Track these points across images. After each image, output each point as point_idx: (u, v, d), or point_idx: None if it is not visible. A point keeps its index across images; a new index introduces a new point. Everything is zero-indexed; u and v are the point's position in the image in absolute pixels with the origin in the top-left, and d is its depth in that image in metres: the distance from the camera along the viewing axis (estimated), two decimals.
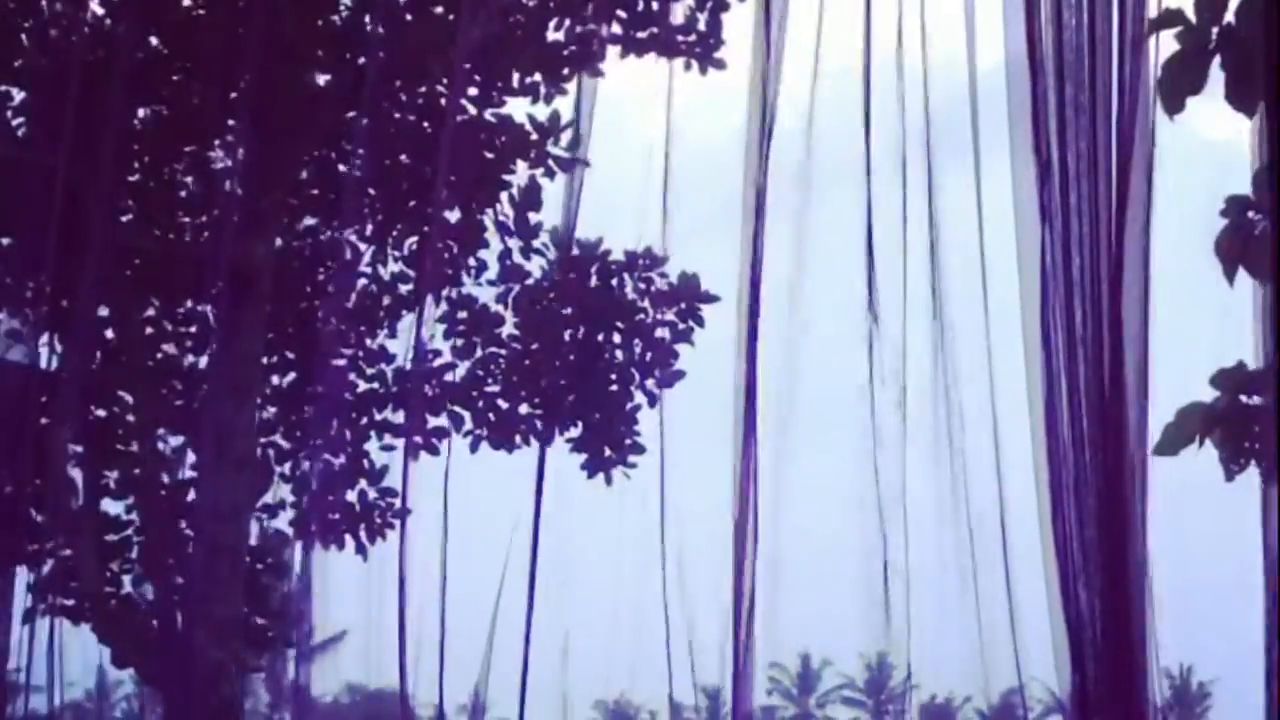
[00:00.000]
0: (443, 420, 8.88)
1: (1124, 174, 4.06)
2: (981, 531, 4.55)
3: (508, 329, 8.83)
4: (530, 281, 8.77)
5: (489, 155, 8.48)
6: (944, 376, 4.74)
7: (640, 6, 8.43)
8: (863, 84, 4.63)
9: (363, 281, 8.78)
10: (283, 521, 8.66)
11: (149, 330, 8.60)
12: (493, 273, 8.78)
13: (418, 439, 8.69)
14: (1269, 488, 3.98)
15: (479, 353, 8.91)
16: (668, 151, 7.08)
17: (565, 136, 8.44)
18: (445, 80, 8.42)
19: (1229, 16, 4.19)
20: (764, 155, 4.88)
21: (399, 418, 8.83)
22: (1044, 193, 4.08)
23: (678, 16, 8.44)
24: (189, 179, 8.63)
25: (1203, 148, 4.61)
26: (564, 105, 8.48)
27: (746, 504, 4.72)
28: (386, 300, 8.82)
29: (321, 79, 8.46)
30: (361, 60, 8.32)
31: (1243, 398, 4.56)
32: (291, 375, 8.77)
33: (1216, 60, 4.17)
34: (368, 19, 8.39)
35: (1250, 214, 4.49)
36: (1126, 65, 4.11)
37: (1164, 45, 4.34)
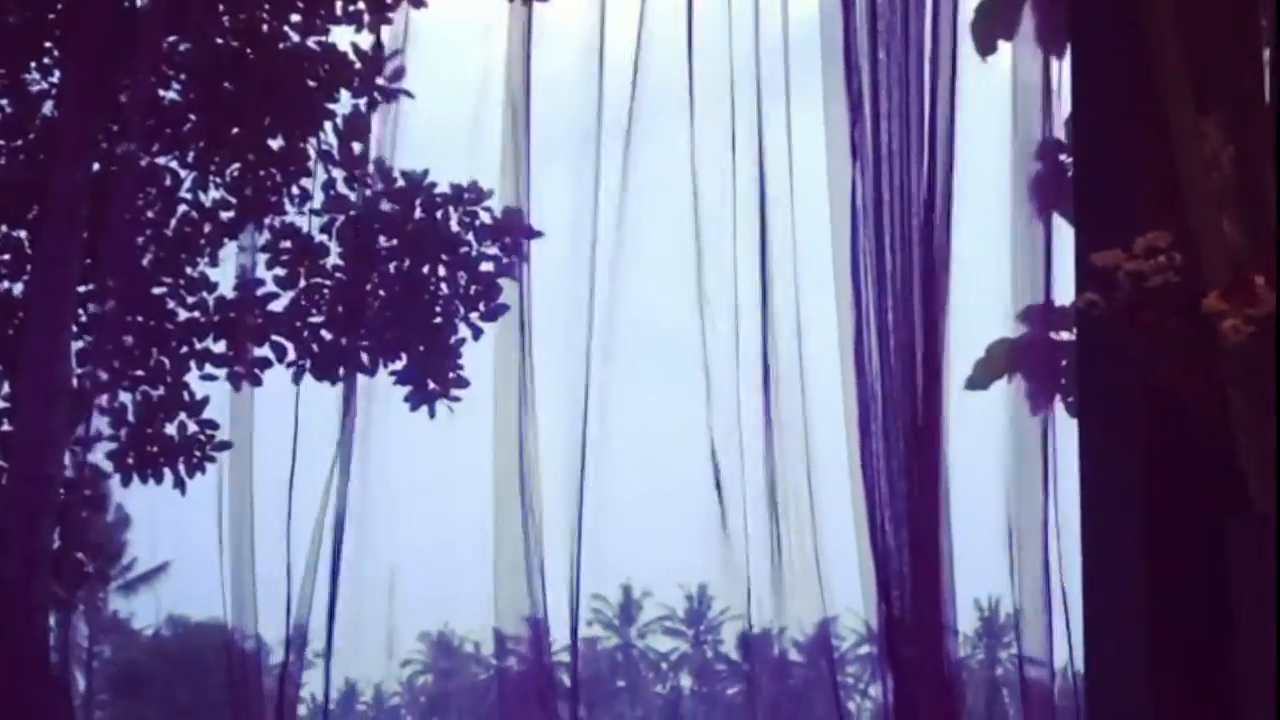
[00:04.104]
0: (265, 351, 8.80)
1: (934, 115, 4.13)
2: (792, 465, 4.62)
3: (332, 259, 8.76)
4: (354, 212, 8.71)
5: (312, 83, 8.40)
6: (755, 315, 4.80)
7: None
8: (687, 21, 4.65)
9: (183, 208, 8.68)
10: (100, 454, 8.55)
11: None
12: (317, 202, 8.70)
13: (240, 369, 8.63)
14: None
15: (302, 283, 8.83)
16: (508, 82, 7.01)
17: (389, 67, 8.40)
18: (267, 6, 8.33)
19: None
20: (601, 89, 4.89)
21: (220, 347, 8.75)
22: (855, 132, 4.13)
23: None
24: (4, 102, 8.46)
25: (1016, 90, 4.69)
26: (388, 35, 8.42)
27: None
28: (208, 228, 8.71)
29: (141, 1, 8.32)
30: None
31: (1051, 334, 4.67)
32: (110, 303, 8.64)
33: (1029, 3, 4.25)
34: None
35: (1063, 157, 4.59)
36: (939, 6, 4.17)
37: None
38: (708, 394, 4.77)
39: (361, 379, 8.81)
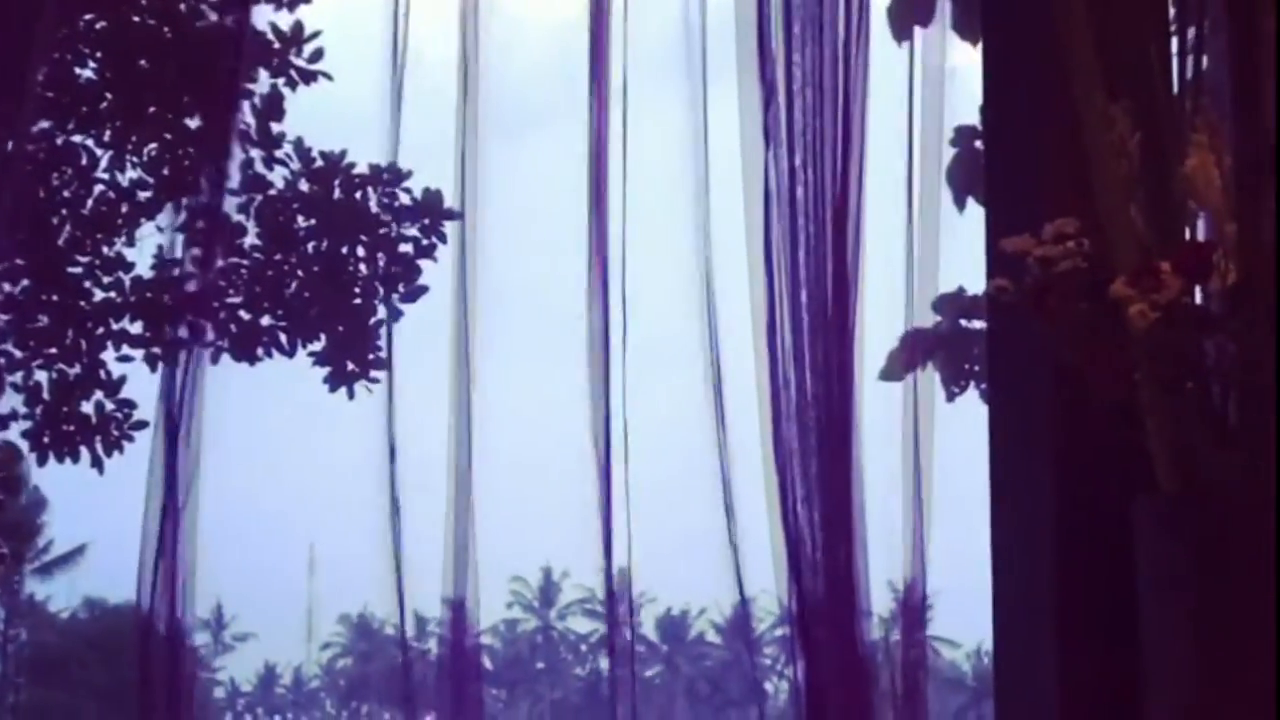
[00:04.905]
0: (182, 331, 8.74)
1: (848, 100, 4.15)
2: (705, 447, 4.64)
3: (250, 239, 8.74)
4: (273, 192, 8.68)
5: (229, 62, 8.36)
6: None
7: None
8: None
9: (100, 188, 8.63)
10: (14, 433, 8.50)
11: None
12: (234, 182, 8.65)
13: (156, 350, 8.58)
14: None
15: (220, 262, 8.78)
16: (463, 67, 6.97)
17: (308, 47, 8.39)
18: None
19: None
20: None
21: (137, 328, 8.70)
22: (768, 116, 4.15)
23: None
24: None
25: (931, 76, 4.71)
26: (306, 14, 8.42)
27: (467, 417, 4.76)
28: (125, 207, 8.66)
29: None
30: None
31: (963, 321, 4.72)
32: (25, 282, 8.58)
33: None
34: None
35: (978, 143, 4.62)
36: None
37: None
38: (595, 377, 4.76)
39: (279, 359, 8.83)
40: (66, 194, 8.65)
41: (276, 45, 8.41)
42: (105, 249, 8.71)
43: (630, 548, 4.88)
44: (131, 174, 8.62)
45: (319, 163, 8.63)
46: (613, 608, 5.36)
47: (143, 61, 8.36)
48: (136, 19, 8.26)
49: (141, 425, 8.49)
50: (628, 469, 4.76)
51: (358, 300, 8.77)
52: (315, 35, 8.41)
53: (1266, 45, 2.72)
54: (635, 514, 5.16)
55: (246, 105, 8.47)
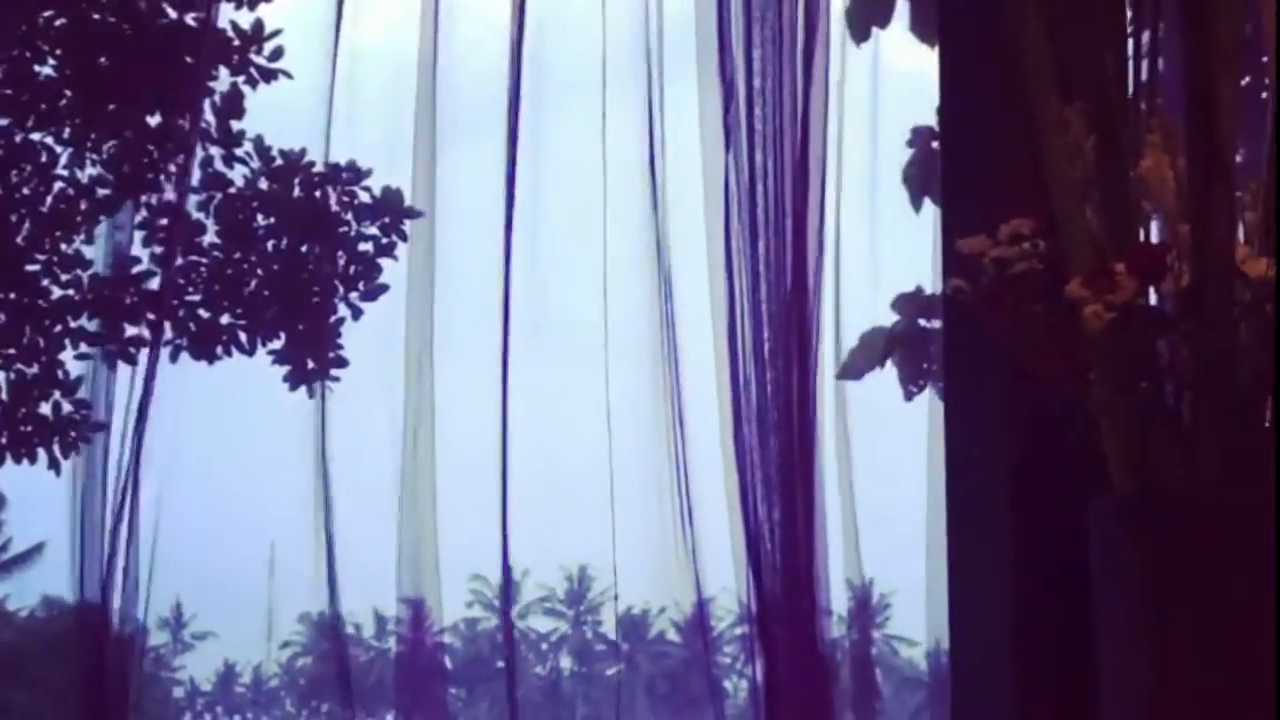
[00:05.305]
0: (141, 329, 8.72)
1: (807, 101, 4.16)
2: (665, 444, 4.65)
3: (209, 237, 8.72)
4: (233, 190, 8.67)
5: (190, 60, 8.35)
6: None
7: None
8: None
9: (59, 185, 8.59)
10: None
11: None
12: (194, 180, 8.64)
13: (113, 348, 8.55)
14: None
15: (179, 261, 8.77)
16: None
17: (268, 46, 8.38)
18: None
19: None
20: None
21: (95, 325, 8.67)
22: (728, 116, 4.16)
23: None
24: None
25: (890, 77, 4.74)
26: (267, 13, 8.40)
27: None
28: (84, 205, 8.63)
29: None
30: None
31: (921, 321, 4.74)
32: None
33: None
34: None
35: (935, 144, 4.65)
36: None
37: None
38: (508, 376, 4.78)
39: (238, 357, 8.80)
40: (25, 191, 8.62)
41: (236, 43, 8.40)
42: (64, 246, 8.67)
43: (615, 547, 4.90)
44: (91, 171, 8.59)
45: (279, 161, 8.61)
46: (506, 602, 5.41)
47: (103, 59, 8.33)
48: (96, 16, 8.23)
49: (100, 427, 8.44)
50: (612, 467, 4.78)
51: (317, 299, 8.76)
52: (275, 34, 8.40)
53: (1220, 49, 2.75)
54: (595, 513, 5.17)
55: (206, 103, 8.45)
